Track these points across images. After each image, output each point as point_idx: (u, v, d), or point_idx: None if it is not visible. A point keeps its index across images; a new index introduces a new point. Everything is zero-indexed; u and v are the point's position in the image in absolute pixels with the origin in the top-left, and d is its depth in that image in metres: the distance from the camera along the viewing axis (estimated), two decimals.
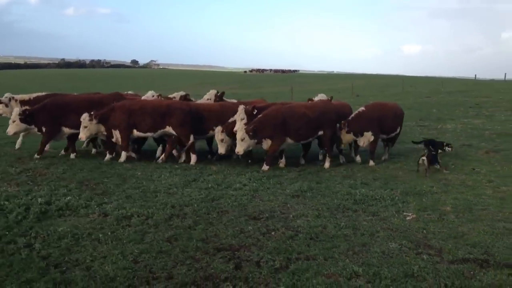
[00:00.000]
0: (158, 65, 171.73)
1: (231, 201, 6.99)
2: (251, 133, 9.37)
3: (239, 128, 9.53)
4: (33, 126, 10.27)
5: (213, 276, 4.36)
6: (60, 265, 4.61)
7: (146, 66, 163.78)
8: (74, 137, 10.56)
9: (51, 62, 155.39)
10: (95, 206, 6.64)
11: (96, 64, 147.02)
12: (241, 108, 9.94)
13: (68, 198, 6.91)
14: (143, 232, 5.57)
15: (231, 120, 10.06)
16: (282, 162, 10.16)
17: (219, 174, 8.99)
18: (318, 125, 10.13)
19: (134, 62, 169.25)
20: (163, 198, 7.07)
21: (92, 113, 9.88)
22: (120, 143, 10.16)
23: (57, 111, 10.37)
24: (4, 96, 11.46)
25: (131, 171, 9.05)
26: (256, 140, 9.58)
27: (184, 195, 7.30)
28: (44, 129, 10.30)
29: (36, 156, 10.10)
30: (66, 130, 10.49)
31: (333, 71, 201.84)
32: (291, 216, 6.29)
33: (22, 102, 11.44)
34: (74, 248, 5.09)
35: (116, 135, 10.15)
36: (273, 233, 5.59)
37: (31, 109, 10.35)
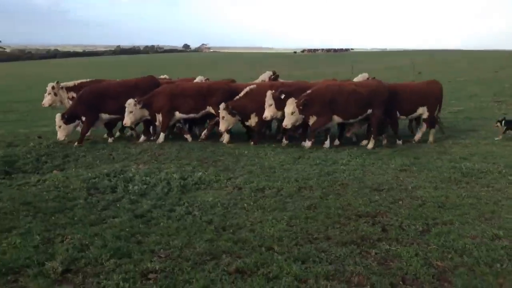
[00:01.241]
0: (209, 48, 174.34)
1: (346, 175, 7.57)
2: (301, 107, 9.62)
3: (289, 102, 9.70)
4: (78, 122, 10.77)
5: (366, 237, 4.97)
6: (227, 228, 5.38)
7: (197, 50, 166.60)
8: (111, 123, 11.24)
9: (107, 49, 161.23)
10: (225, 180, 7.43)
11: (150, 50, 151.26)
12: (269, 93, 10.12)
13: (199, 174, 7.73)
14: (282, 202, 6.26)
15: (236, 98, 10.53)
16: (325, 144, 10.17)
17: (319, 152, 9.56)
18: (368, 104, 10.12)
19: (186, 46, 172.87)
20: (283, 173, 7.76)
21: (136, 98, 10.46)
22: (161, 124, 10.83)
23: (94, 99, 10.74)
24: (49, 86, 11.77)
25: (238, 150, 9.79)
26: (303, 116, 9.81)
27: (299, 170, 7.95)
28: (83, 119, 10.72)
29: (76, 144, 10.47)
30: (105, 117, 10.98)
31: (385, 48, 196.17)
32: (410, 187, 6.79)
33: (68, 89, 11.90)
34: (228, 215, 5.86)
35: (159, 118, 10.79)
36: (400, 202, 6.13)
37: (69, 110, 10.63)
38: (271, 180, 7.32)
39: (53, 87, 11.70)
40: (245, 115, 10.54)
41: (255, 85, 11.04)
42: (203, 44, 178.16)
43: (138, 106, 10.50)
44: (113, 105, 10.76)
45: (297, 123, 10.01)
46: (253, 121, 10.63)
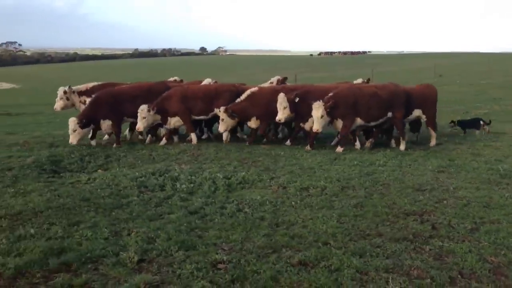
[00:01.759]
0: (225, 51, 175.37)
1: (385, 175, 7.77)
2: (328, 110, 9.75)
3: (317, 106, 9.76)
4: (92, 126, 10.86)
5: (418, 234, 5.18)
6: (280, 224, 5.63)
7: (214, 53, 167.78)
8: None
9: (125, 52, 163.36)
10: (268, 180, 7.69)
11: (168, 53, 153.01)
12: (282, 95, 10.29)
13: (243, 173, 7.99)
14: (328, 201, 6.49)
15: (237, 101, 10.84)
16: (356, 145, 10.51)
17: (353, 154, 9.78)
18: (388, 106, 10.27)
19: (203, 49, 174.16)
20: (323, 173, 7.99)
21: (149, 104, 10.61)
22: (186, 127, 11.30)
23: (114, 102, 10.95)
24: (59, 90, 11.91)
25: (273, 151, 10.06)
26: (329, 119, 9.96)
27: (339, 171, 8.17)
28: (105, 123, 10.90)
29: (115, 146, 10.80)
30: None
31: (403, 51, 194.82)
32: (451, 188, 6.96)
33: (80, 93, 12.04)
34: (278, 212, 6.10)
35: (171, 122, 11.08)
36: (445, 202, 6.31)
37: (86, 115, 10.64)
38: (313, 179, 7.55)
39: (65, 92, 11.84)
40: (245, 117, 10.99)
41: (256, 89, 11.34)
42: (219, 47, 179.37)
43: (152, 112, 10.69)
44: (129, 109, 10.93)
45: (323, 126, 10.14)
46: (253, 123, 11.04)
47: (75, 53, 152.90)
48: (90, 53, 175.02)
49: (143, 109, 10.58)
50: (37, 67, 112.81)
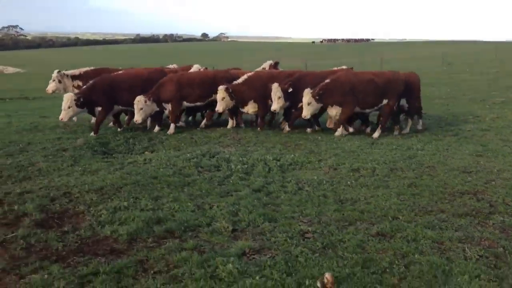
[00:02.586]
0: (227, 38, 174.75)
1: (428, 159, 8.19)
2: (317, 97, 9.92)
3: (306, 93, 9.92)
4: (85, 109, 10.44)
5: (477, 210, 5.63)
6: (344, 201, 6.06)
7: (216, 39, 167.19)
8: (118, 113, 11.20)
9: (127, 37, 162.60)
10: (316, 162, 8.10)
11: (169, 39, 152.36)
12: (275, 85, 10.33)
13: (291, 156, 8.41)
14: (382, 181, 6.91)
15: (235, 82, 10.94)
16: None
17: (388, 138, 10.17)
18: (383, 93, 10.42)
19: (204, 35, 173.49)
20: (367, 156, 8.40)
21: (145, 95, 10.41)
22: (171, 118, 10.96)
23: (110, 90, 10.67)
24: (55, 73, 11.93)
25: (310, 136, 10.44)
26: (322, 104, 10.13)
27: (381, 154, 8.58)
28: (100, 109, 10.59)
29: (92, 134, 10.32)
30: (118, 108, 11.06)
31: (405, 39, 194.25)
32: (495, 170, 7.40)
33: (73, 77, 12.08)
34: (338, 191, 6.51)
35: (168, 108, 10.94)
36: (493, 182, 6.75)
37: (83, 94, 10.31)
38: (360, 162, 7.97)
39: (59, 74, 11.91)
40: (242, 101, 11.00)
41: (253, 73, 11.48)
42: (221, 33, 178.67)
43: (149, 102, 10.51)
44: (127, 97, 10.66)
45: (315, 112, 10.36)
46: (250, 108, 11.09)
47: (77, 38, 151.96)
48: (91, 37, 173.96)
49: (139, 100, 10.36)
50: (39, 51, 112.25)
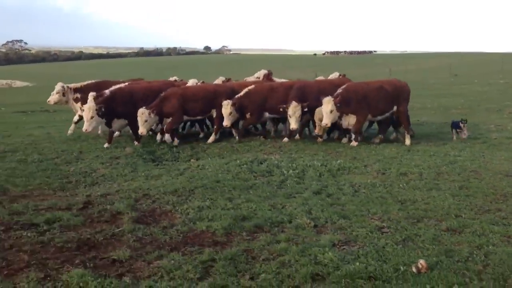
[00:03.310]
0: (229, 50, 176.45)
1: (468, 164, 8.57)
2: (338, 105, 10.08)
3: (327, 101, 10.07)
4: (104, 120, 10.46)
5: None
6: (404, 202, 6.42)
7: (218, 52, 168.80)
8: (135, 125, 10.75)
9: (130, 51, 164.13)
10: (362, 167, 8.53)
11: (172, 52, 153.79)
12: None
13: (338, 161, 8.83)
14: (432, 184, 7.29)
15: (238, 96, 11.09)
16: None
17: (422, 146, 10.59)
18: (393, 100, 10.85)
19: (207, 48, 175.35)
20: (409, 162, 8.82)
21: (148, 107, 10.45)
22: (167, 127, 10.93)
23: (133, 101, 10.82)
24: (59, 85, 12.20)
25: (345, 145, 10.88)
26: (339, 114, 10.28)
27: (422, 160, 8.97)
28: (130, 120, 10.71)
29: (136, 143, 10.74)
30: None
31: (405, 51, 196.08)
32: None
33: (75, 90, 12.31)
34: (393, 192, 6.89)
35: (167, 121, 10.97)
36: None
37: (105, 104, 10.26)
38: (405, 167, 8.40)
39: (63, 87, 12.18)
40: (242, 114, 11.24)
41: (253, 86, 11.52)
42: (223, 46, 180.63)
43: (153, 115, 10.54)
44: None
45: (334, 121, 10.46)
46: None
47: (81, 52, 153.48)
48: (94, 51, 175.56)
49: (143, 113, 10.38)
50: (44, 65, 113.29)
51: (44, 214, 5.59)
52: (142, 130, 10.46)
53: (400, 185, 7.32)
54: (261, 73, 13.51)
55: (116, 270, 4.22)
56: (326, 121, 10.21)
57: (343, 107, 10.25)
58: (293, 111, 10.62)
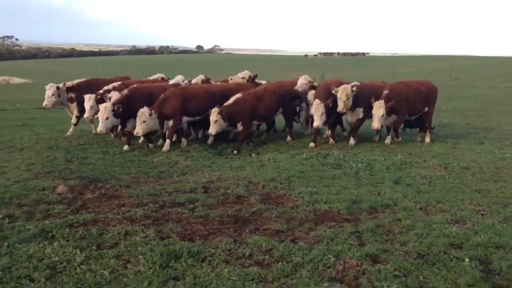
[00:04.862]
0: (221, 50, 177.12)
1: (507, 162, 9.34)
2: (387, 109, 10.32)
3: (378, 105, 10.28)
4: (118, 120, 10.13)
5: None
6: (479, 191, 7.17)
7: (210, 51, 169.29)
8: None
9: (122, 49, 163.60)
10: (422, 162, 9.11)
11: (165, 50, 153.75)
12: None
13: (398, 157, 9.41)
14: (497, 176, 8.05)
15: (226, 103, 10.47)
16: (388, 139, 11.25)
17: (466, 144, 11.23)
18: (426, 101, 11.37)
19: (199, 47, 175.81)
20: (463, 157, 9.48)
21: (150, 108, 9.97)
22: (169, 131, 10.39)
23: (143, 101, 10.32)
24: (50, 87, 11.48)
25: (394, 143, 11.59)
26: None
27: (473, 156, 9.63)
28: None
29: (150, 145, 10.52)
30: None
31: (397, 53, 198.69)
32: None
33: (68, 89, 11.82)
34: (464, 183, 7.65)
35: (169, 124, 10.44)
36: None
37: (122, 103, 9.97)
38: (462, 161, 9.12)
39: (58, 88, 11.55)
40: (233, 123, 10.68)
41: (242, 94, 10.92)
42: (215, 46, 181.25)
43: (154, 116, 10.05)
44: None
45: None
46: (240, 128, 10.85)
47: (72, 49, 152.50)
48: (85, 49, 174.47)
49: (143, 113, 9.89)
50: (36, 62, 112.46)
51: (180, 196, 6.23)
52: (138, 130, 9.93)
53: (468, 178, 8.05)
54: (246, 74, 13.15)
55: (285, 237, 4.91)
56: (377, 124, 10.44)
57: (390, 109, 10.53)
58: (316, 109, 10.51)
